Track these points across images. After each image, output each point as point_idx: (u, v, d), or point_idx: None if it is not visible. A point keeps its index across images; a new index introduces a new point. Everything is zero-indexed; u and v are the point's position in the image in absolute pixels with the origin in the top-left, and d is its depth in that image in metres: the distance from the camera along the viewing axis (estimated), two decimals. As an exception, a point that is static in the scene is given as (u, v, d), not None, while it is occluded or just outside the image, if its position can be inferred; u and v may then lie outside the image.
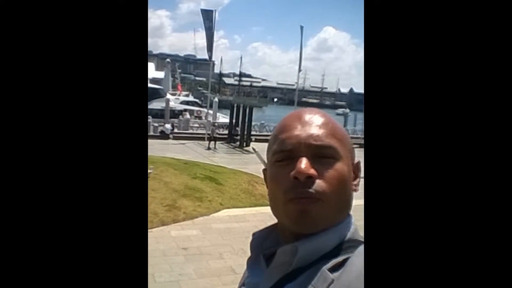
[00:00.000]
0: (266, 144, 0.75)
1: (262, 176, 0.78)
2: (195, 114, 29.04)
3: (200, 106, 31.33)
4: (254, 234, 0.77)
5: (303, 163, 0.64)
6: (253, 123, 21.30)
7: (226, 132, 21.18)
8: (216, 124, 21.24)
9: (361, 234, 0.67)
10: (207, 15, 20.80)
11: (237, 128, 20.24)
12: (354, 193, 0.70)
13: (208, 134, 18.97)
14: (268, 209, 0.72)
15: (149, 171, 6.78)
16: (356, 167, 0.72)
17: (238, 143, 19.47)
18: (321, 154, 0.66)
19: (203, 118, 26.45)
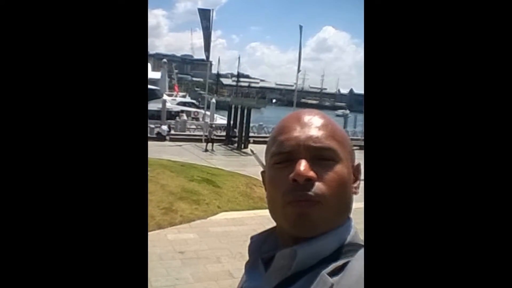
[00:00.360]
0: (264, 146, 0.75)
1: (260, 178, 0.78)
2: (192, 116, 29.03)
3: (197, 107, 31.32)
4: (252, 238, 0.77)
5: (302, 165, 0.64)
6: (251, 125, 21.30)
7: (224, 133, 21.18)
8: (213, 125, 21.24)
9: (361, 237, 0.67)
10: (205, 15, 20.80)
11: (235, 130, 20.23)
12: (354, 196, 0.70)
13: (206, 135, 18.97)
14: (266, 212, 0.72)
15: (145, 173, 6.75)
16: (356, 169, 0.72)
17: (236, 145, 19.46)
18: (321, 156, 0.66)
19: (200, 119, 26.44)
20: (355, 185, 0.71)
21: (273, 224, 0.73)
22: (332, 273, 0.62)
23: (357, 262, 0.61)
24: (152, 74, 35.23)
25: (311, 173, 0.64)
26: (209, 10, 21.25)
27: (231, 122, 20.67)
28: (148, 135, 19.26)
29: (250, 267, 0.75)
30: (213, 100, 27.37)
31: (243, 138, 19.39)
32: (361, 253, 0.62)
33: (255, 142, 18.91)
